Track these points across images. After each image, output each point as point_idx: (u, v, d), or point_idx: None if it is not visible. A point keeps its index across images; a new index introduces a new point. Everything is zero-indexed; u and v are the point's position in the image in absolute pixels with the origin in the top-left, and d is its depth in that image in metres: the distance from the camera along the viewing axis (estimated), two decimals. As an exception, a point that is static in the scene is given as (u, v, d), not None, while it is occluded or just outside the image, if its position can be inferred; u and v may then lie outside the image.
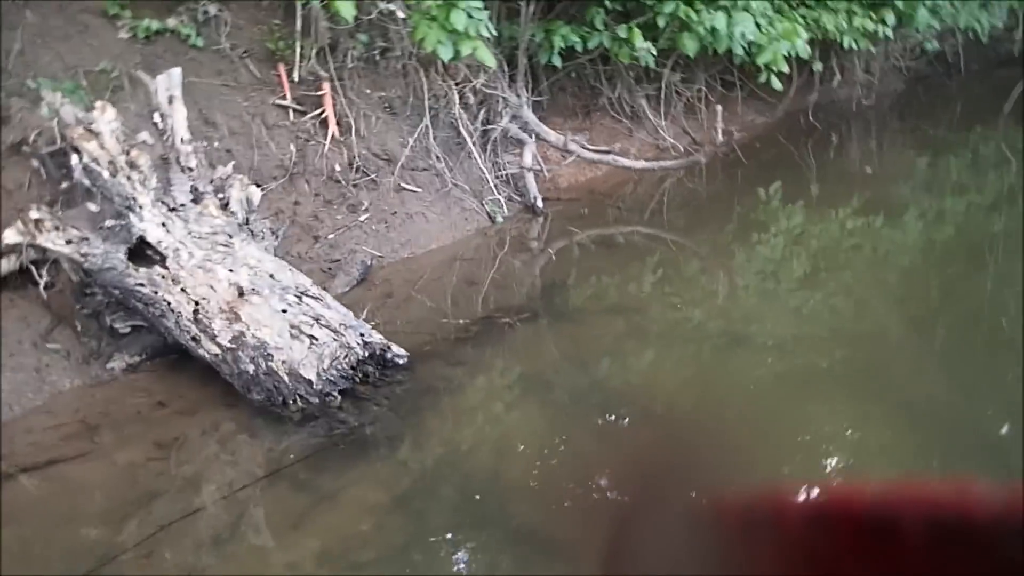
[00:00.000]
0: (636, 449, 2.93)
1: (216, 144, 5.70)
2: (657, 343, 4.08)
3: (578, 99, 9.44)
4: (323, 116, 6.28)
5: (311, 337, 3.52)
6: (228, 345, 3.50)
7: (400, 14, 6.10)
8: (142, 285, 3.65)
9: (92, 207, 3.71)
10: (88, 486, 3.03)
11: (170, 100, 4.01)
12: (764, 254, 6.51)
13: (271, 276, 3.80)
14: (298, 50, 6.26)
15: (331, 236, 5.65)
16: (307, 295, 3.77)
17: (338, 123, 6.31)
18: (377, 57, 6.63)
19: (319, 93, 6.26)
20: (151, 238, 3.73)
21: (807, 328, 4.74)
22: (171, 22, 5.98)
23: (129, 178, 3.75)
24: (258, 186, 5.54)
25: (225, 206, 4.27)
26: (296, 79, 6.28)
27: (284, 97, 6.20)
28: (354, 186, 6.11)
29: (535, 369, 3.72)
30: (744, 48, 8.26)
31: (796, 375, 3.92)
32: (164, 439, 3.33)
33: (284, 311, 3.62)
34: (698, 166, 6.45)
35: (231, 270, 3.74)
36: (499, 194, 6.88)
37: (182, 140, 4.05)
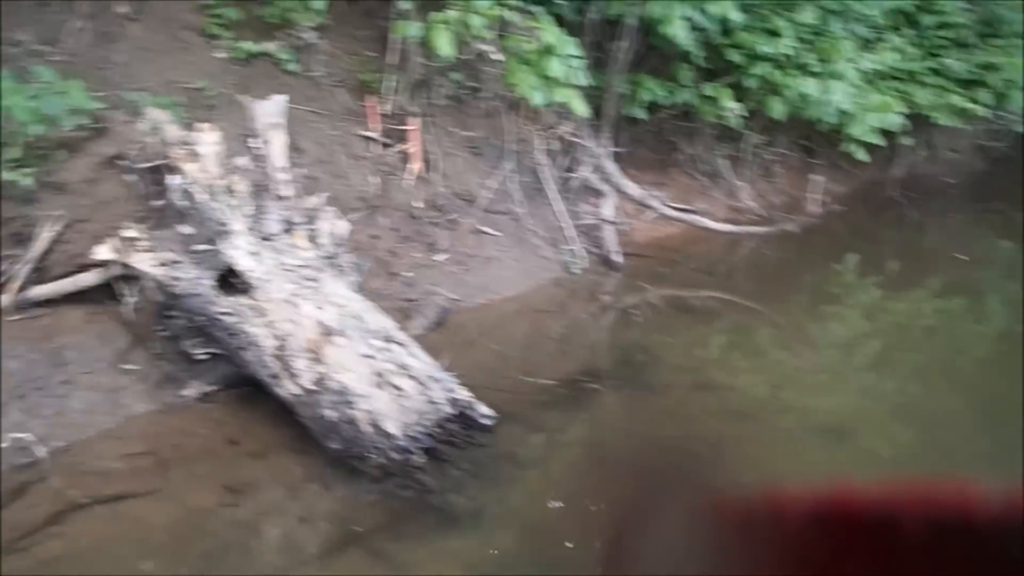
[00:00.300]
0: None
1: (303, 171, 5.62)
2: (752, 428, 3.79)
3: (656, 153, 9.25)
4: (408, 151, 6.17)
5: (396, 387, 3.32)
6: (309, 387, 3.33)
7: (497, 56, 5.99)
8: (227, 314, 3.50)
9: (184, 229, 3.59)
10: (155, 528, 2.85)
11: (270, 127, 3.89)
12: (844, 331, 6.21)
13: (357, 317, 3.63)
14: (390, 84, 6.18)
15: (408, 274, 5.50)
16: (393, 340, 3.59)
17: (423, 160, 6.20)
18: (465, 96, 6.53)
19: (406, 128, 6.16)
20: (240, 267, 3.59)
21: (902, 417, 4.42)
22: (269, 46, 5.96)
23: (226, 204, 3.62)
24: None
25: (313, 238, 4.12)
26: (385, 112, 6.19)
27: (372, 129, 6.12)
28: (433, 224, 5.97)
29: (624, 447, 3.45)
30: (834, 117, 8.02)
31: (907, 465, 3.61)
32: (235, 483, 3.14)
33: (370, 356, 3.43)
34: (785, 233, 6.16)
35: (318, 307, 3.58)
36: (575, 244, 6.68)
37: (279, 168, 3.93)
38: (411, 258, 5.65)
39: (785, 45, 7.72)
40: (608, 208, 6.94)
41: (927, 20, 9.76)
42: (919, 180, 10.94)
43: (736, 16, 7.20)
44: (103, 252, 3.45)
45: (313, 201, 4.32)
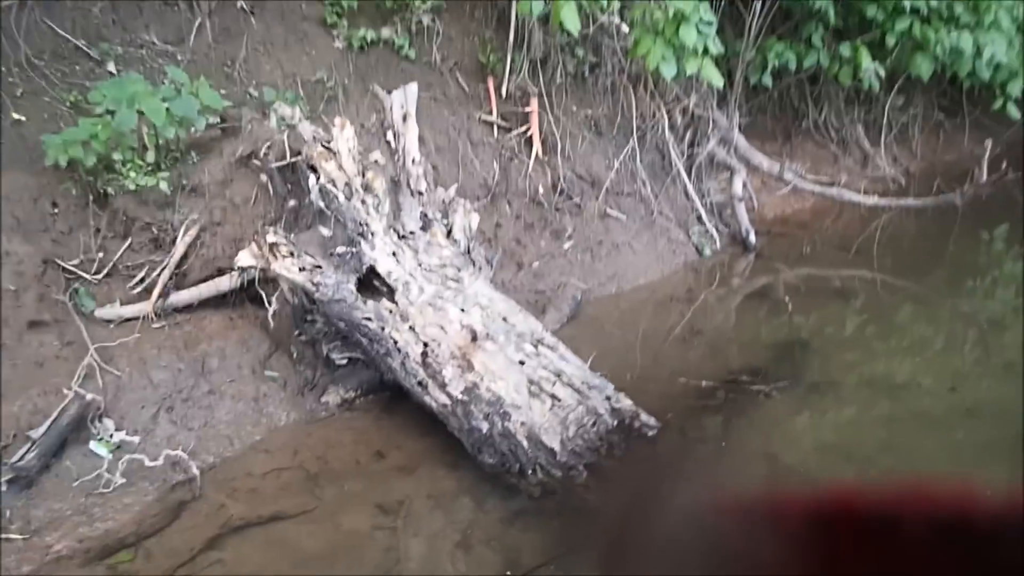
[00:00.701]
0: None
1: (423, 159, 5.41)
2: (940, 434, 3.31)
3: (779, 121, 8.63)
4: (528, 134, 5.86)
5: (552, 397, 3.05)
6: (459, 396, 3.10)
7: (625, 27, 5.59)
8: (369, 319, 3.31)
9: (324, 231, 3.41)
10: (311, 555, 2.69)
11: (404, 118, 3.66)
12: (1010, 314, 5.53)
13: (504, 319, 3.37)
14: (508, 63, 5.88)
15: (535, 264, 5.22)
16: (544, 344, 3.32)
17: (543, 142, 5.88)
18: (586, 74, 6.16)
19: (526, 110, 5.85)
20: (381, 269, 3.39)
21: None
22: (385, 32, 5.74)
23: (363, 202, 3.43)
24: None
25: (448, 233, 3.89)
26: (504, 94, 5.90)
27: (491, 112, 5.84)
28: (557, 210, 5.66)
29: (800, 461, 3.03)
30: (989, 73, 7.22)
31: None
32: (387, 502, 2.96)
33: (521, 363, 3.17)
34: (951, 208, 5.53)
35: (462, 309, 3.34)
36: (707, 224, 6.24)
37: (413, 161, 3.71)
38: (537, 247, 5.37)
39: (931, -4, 6.96)
40: (738, 184, 6.45)
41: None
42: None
43: (876, -33, 6.53)
44: (245, 259, 3.31)
45: (445, 193, 4.08)
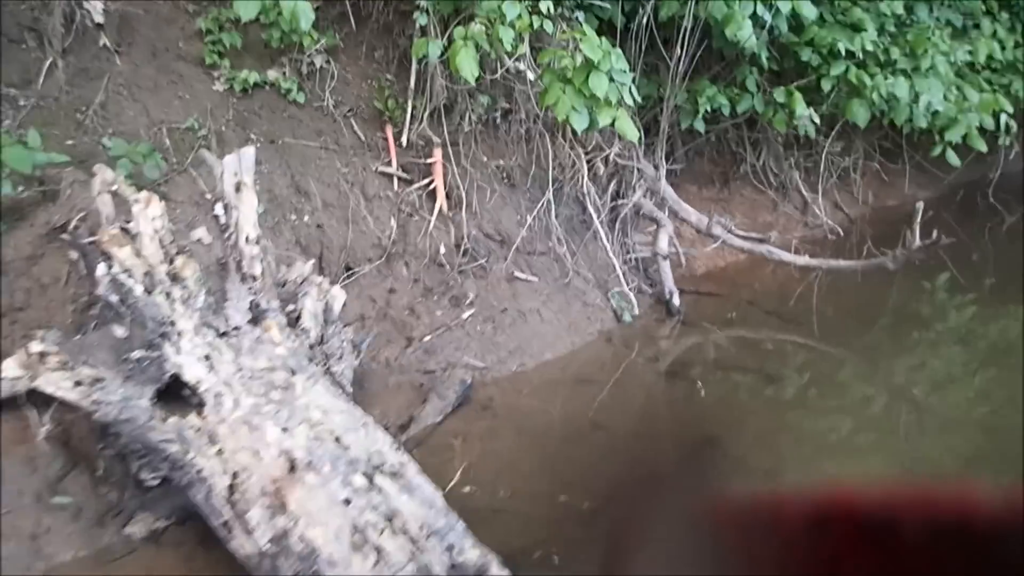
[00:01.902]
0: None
1: (306, 218, 4.77)
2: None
3: (716, 165, 8.16)
4: (431, 187, 5.26)
5: (378, 550, 2.40)
6: (266, 547, 2.44)
7: (530, 74, 5.02)
8: (169, 441, 2.64)
9: (119, 331, 2.74)
10: None
11: (238, 188, 3.02)
12: (959, 394, 5.02)
13: (337, 440, 2.72)
14: (409, 110, 5.27)
15: (427, 338, 4.57)
16: (383, 471, 2.67)
17: (448, 195, 5.28)
18: (497, 120, 5.58)
19: (429, 161, 5.24)
20: (188, 377, 2.73)
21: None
22: (271, 74, 5.11)
23: (169, 295, 2.77)
24: (348, 271, 4.58)
25: (296, 320, 3.24)
26: (404, 143, 5.29)
27: (389, 163, 5.22)
28: (459, 272, 5.04)
29: None
30: (926, 120, 6.80)
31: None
32: None
33: (347, 501, 2.52)
34: (883, 271, 5.02)
35: (285, 428, 2.69)
36: (627, 284, 5.66)
37: (247, 239, 3.06)
38: (432, 317, 4.73)
39: (867, 40, 6.53)
40: (663, 240, 5.89)
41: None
42: (1010, 180, 9.50)
43: (809, 11, 6.06)
44: (11, 369, 2.63)
45: (297, 270, 3.43)
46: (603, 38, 4.85)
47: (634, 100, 5.02)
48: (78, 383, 2.59)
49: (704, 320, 5.47)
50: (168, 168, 4.54)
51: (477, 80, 4.79)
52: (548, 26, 4.93)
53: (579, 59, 4.73)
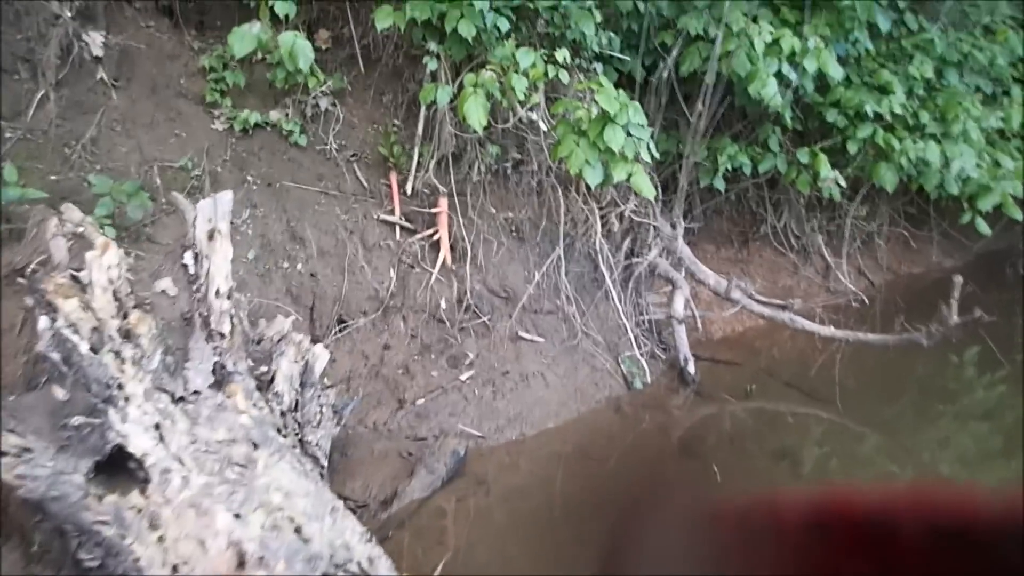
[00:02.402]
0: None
1: (300, 266, 4.45)
2: None
3: (735, 224, 7.83)
4: (435, 238, 4.94)
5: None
6: (202, 662, 2.04)
7: (542, 125, 4.74)
8: (105, 523, 2.27)
9: (59, 393, 2.40)
10: None
11: (211, 235, 2.70)
12: (986, 464, 4.60)
13: (298, 530, 2.34)
14: (415, 157, 4.99)
15: (421, 401, 4.20)
16: (347, 569, 2.28)
17: (452, 247, 4.96)
18: (508, 171, 5.28)
19: (434, 210, 4.94)
20: (133, 449, 2.36)
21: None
22: (274, 115, 4.86)
23: (118, 354, 2.43)
24: (341, 324, 4.24)
25: (269, 383, 2.89)
26: (409, 191, 4.99)
27: (392, 211, 4.92)
28: (460, 330, 4.68)
29: None
30: (956, 187, 6.45)
31: None
32: None
33: (302, 608, 2.13)
34: (917, 347, 4.61)
35: (238, 515, 2.31)
36: (639, 348, 5.28)
37: (218, 293, 2.73)
38: (428, 378, 4.36)
39: (895, 103, 6.23)
40: (679, 302, 5.52)
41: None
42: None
43: (835, 71, 5.79)
44: (-71, 431, 2.28)
45: (275, 327, 3.09)
46: (620, 91, 4.57)
47: (651, 155, 4.71)
48: (2, 453, 2.24)
49: (720, 390, 5.07)
50: (156, 209, 4.27)
51: (486, 129, 4.51)
52: (563, 76, 4.66)
53: (595, 111, 4.44)
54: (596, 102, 4.37)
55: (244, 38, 3.54)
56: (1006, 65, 7.21)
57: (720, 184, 6.40)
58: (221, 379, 2.65)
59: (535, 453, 3.97)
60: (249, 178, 4.62)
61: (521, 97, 4.49)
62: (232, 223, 4.31)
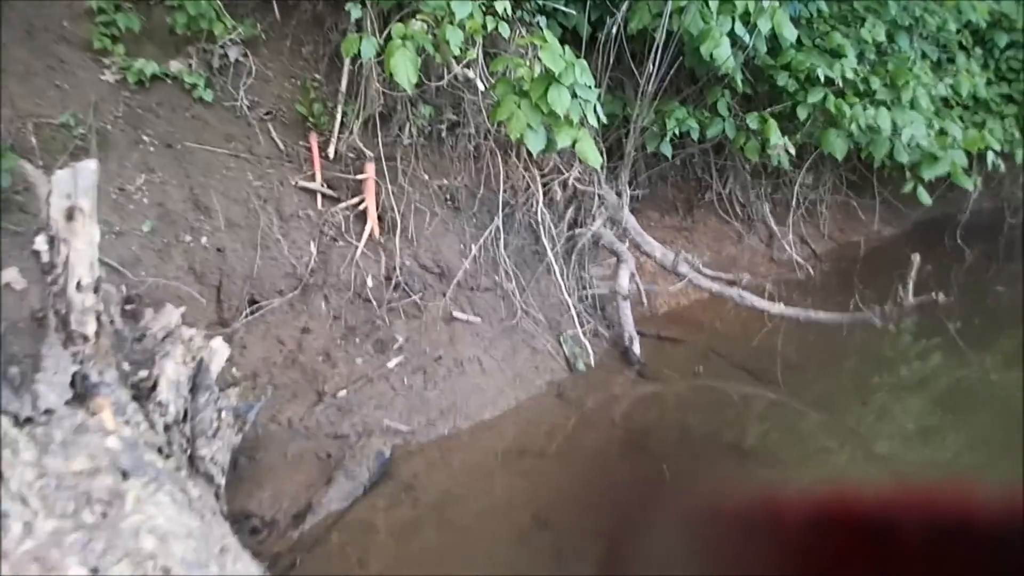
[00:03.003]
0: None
1: (204, 240, 3.89)
2: None
3: (680, 192, 7.50)
4: (361, 207, 4.43)
5: None
6: None
7: (480, 84, 4.24)
8: (-78, 584, 1.77)
9: None
10: None
11: (71, 215, 2.16)
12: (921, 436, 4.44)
13: (172, 583, 1.88)
14: (338, 117, 4.44)
15: (342, 392, 3.74)
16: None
17: (380, 218, 4.46)
18: (443, 134, 4.78)
19: (360, 176, 4.42)
20: (-39, 488, 1.86)
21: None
22: (174, 66, 4.23)
23: (-60, 369, 1.90)
24: (254, 305, 3.72)
25: (151, 389, 2.39)
26: (331, 155, 4.45)
27: (312, 177, 4.38)
28: (389, 310, 4.22)
29: None
30: (906, 155, 6.22)
31: None
32: None
33: None
34: (869, 324, 4.36)
35: (95, 569, 1.84)
36: (582, 326, 4.91)
37: (80, 286, 2.20)
38: (351, 366, 3.90)
39: (847, 67, 5.94)
40: (624, 276, 5.15)
41: (1001, 39, 7.88)
42: (976, 219, 9.03)
43: (789, 33, 5.43)
44: None
45: (164, 321, 2.57)
46: (566, 48, 4.09)
47: (598, 119, 4.27)
48: None
49: (666, 369, 4.75)
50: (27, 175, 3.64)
51: (418, 87, 4.00)
52: (504, 29, 4.16)
53: (538, 69, 3.96)
54: (539, 59, 3.89)
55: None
56: (954, 31, 6.99)
57: (667, 150, 6.01)
58: (83, 393, 2.15)
59: (470, 449, 3.57)
60: (145, 138, 4.01)
61: (456, 52, 3.98)
62: (123, 190, 3.73)
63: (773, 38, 5.48)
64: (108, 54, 4.14)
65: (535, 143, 4.04)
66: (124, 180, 3.83)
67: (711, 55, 5.09)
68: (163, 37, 4.29)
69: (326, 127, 4.42)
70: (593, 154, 4.18)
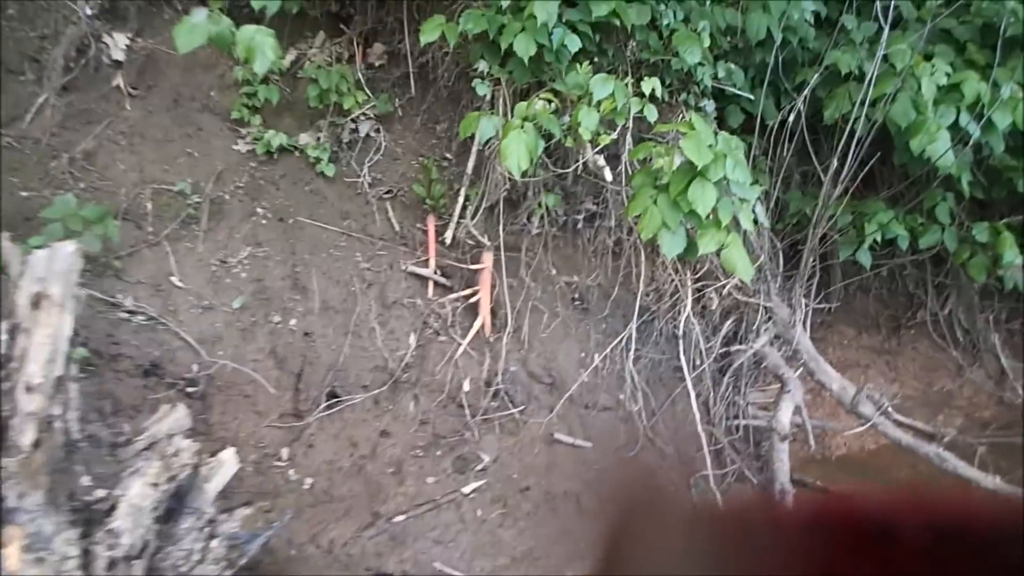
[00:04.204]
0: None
1: (293, 322, 3.60)
2: None
3: (885, 307, 6.27)
4: (473, 299, 3.95)
5: None
6: None
7: (607, 174, 3.64)
8: None
9: None
10: None
11: (36, 301, 1.85)
12: None
13: None
14: (460, 200, 4.04)
15: (400, 517, 3.19)
16: None
17: (493, 313, 3.95)
18: (578, 224, 4.21)
19: (476, 267, 3.96)
20: None
21: None
22: (303, 138, 4.08)
23: None
24: (333, 399, 3.33)
25: (108, 513, 2.00)
26: (449, 240, 4.04)
27: (425, 263, 3.99)
28: (483, 421, 3.65)
29: None
30: None
31: None
32: None
33: None
34: None
35: None
36: (722, 465, 4.01)
37: (29, 387, 1.87)
38: (420, 485, 3.35)
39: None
40: (786, 412, 4.18)
41: None
42: None
43: (1035, 126, 4.27)
44: None
45: (168, 424, 2.20)
46: (722, 135, 3.38)
47: (758, 223, 3.48)
48: None
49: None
50: (139, 239, 3.59)
51: (530, 173, 3.49)
52: (650, 113, 3.55)
53: (675, 160, 3.29)
54: (680, 149, 3.22)
55: (190, 30, 2.71)
56: None
57: (865, 259, 4.96)
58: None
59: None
60: (260, 210, 3.85)
61: (588, 136, 3.42)
62: (225, 263, 3.55)
63: (1015, 133, 4.34)
64: (245, 124, 4.08)
65: (671, 246, 3.35)
66: (229, 252, 3.67)
67: (924, 151, 4.10)
68: (302, 111, 4.17)
69: (446, 210, 4.03)
70: (743, 264, 3.39)
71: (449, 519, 3.18)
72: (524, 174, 3.28)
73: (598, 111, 3.44)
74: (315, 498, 3.11)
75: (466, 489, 3.30)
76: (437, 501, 3.23)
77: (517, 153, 3.21)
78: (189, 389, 3.15)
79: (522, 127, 3.28)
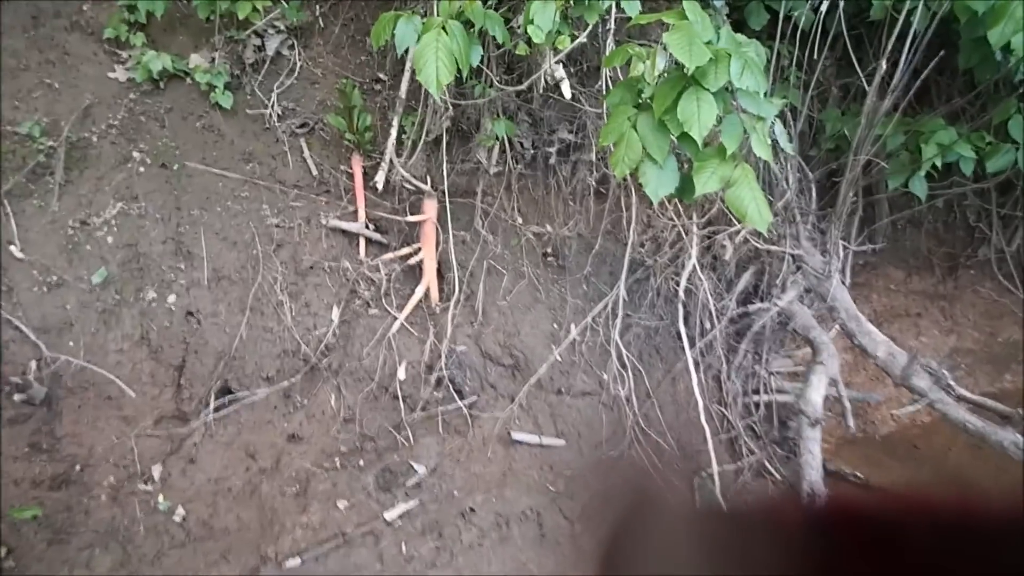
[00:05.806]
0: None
1: (171, 300, 2.77)
2: None
3: (940, 243, 5.27)
4: (414, 260, 3.08)
5: None
6: None
7: (566, 90, 2.68)
8: None
9: None
10: None
11: None
12: None
13: None
14: (394, 132, 3.11)
15: (294, 561, 2.40)
16: None
17: (440, 276, 3.08)
18: (550, 159, 3.27)
19: (417, 218, 3.07)
20: None
21: None
22: (194, 60, 3.17)
23: None
24: (226, 395, 2.53)
25: None
26: (381, 186, 3.14)
27: (353, 215, 3.11)
28: (423, 419, 2.82)
29: None
30: None
31: None
32: None
33: None
34: None
35: None
36: (737, 457, 3.14)
37: None
38: (329, 511, 2.54)
39: None
40: (818, 386, 3.27)
41: None
42: None
43: None
44: None
45: None
46: (722, 31, 2.40)
47: (773, 148, 2.52)
48: None
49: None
50: (-28, 197, 2.77)
51: (481, 92, 2.54)
52: (630, 7, 2.58)
53: (662, 64, 2.32)
54: (665, 48, 2.25)
55: None
56: None
57: (921, 189, 3.97)
58: None
59: None
60: (136, 154, 2.99)
61: (540, 38, 2.46)
62: (86, 224, 2.72)
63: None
64: (125, 45, 3.18)
65: (656, 185, 2.40)
66: (92, 211, 2.84)
67: (1005, 44, 3.07)
68: (197, 27, 3.25)
69: (376, 148, 3.12)
70: (756, 207, 2.43)
71: (362, 560, 2.38)
72: (467, 96, 2.34)
73: (555, 4, 2.47)
74: (186, 535, 2.33)
75: (390, 515, 2.49)
76: (347, 535, 2.42)
77: (435, 63, 2.27)
78: (18, 396, 2.37)
79: (443, 28, 2.33)
